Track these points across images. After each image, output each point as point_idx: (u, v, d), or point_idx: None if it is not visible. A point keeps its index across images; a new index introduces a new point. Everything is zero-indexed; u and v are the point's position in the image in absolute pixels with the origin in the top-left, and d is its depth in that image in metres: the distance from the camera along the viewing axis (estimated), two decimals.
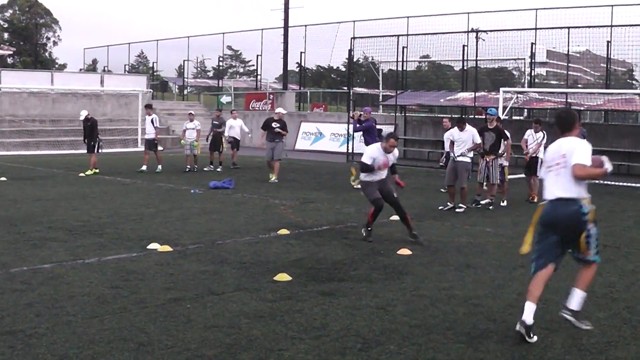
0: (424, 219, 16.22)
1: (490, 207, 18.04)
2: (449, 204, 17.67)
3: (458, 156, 17.53)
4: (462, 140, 17.61)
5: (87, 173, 25.38)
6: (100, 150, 26.30)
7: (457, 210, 17.37)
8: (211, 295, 9.24)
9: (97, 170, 25.82)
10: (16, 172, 26.31)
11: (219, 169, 27.67)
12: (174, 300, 9.01)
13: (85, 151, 27.07)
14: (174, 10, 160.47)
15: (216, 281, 10.00)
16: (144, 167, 26.82)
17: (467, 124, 17.85)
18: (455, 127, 18.02)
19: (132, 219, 15.51)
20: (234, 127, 29.42)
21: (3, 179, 23.46)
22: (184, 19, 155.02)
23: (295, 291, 9.47)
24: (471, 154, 17.80)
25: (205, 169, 27.56)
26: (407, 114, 39.60)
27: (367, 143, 22.45)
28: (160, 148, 28.75)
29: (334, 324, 8.13)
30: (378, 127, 24.19)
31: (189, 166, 27.30)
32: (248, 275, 10.41)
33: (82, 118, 26.65)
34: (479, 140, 17.76)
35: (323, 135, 41.16)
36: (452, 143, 17.98)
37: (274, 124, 24.24)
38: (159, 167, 26.93)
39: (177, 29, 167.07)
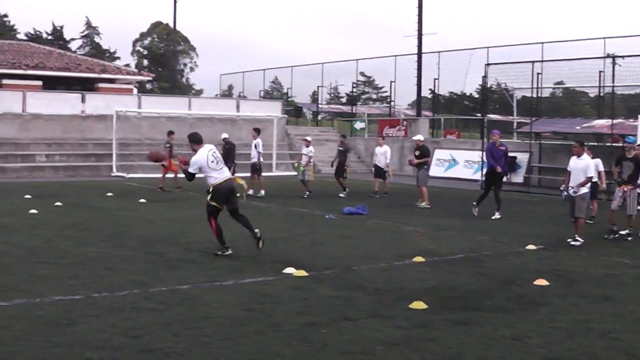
0: (559, 249, 15.95)
1: (629, 239, 17.53)
2: (577, 238, 16.66)
3: (572, 189, 16.54)
4: (577, 170, 16.61)
5: None
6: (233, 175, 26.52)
7: (573, 243, 16.51)
8: (345, 321, 9.29)
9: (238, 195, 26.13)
10: (154, 194, 26.99)
11: (341, 194, 27.59)
12: (309, 324, 9.10)
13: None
14: (308, 37, 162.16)
15: (350, 307, 10.05)
16: (251, 192, 26.85)
17: (585, 153, 16.98)
18: (574, 156, 16.90)
19: (267, 243, 15.66)
20: (379, 154, 28.49)
21: (142, 200, 24.11)
22: (317, 45, 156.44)
23: (429, 319, 9.43)
24: (584, 189, 16.58)
25: (340, 195, 27.62)
26: (541, 142, 38.97)
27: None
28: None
29: (469, 354, 8.08)
30: (511, 154, 23.71)
31: (308, 192, 27.08)
32: (382, 302, 10.43)
33: (223, 137, 27.35)
34: (591, 173, 16.80)
35: (457, 162, 40.92)
36: (568, 173, 16.95)
37: (415, 152, 24.42)
38: (251, 191, 26.55)
39: (311, 56, 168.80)
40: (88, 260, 13.24)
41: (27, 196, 24.93)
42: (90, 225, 18.07)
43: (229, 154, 26.65)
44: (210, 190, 14.06)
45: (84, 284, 11.17)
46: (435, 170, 41.21)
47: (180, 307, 9.83)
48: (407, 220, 20.19)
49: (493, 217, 20.98)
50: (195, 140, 14.62)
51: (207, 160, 14.06)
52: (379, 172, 28.36)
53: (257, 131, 28.06)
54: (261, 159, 27.69)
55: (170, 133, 29.28)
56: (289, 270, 12.46)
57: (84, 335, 8.38)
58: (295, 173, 28.50)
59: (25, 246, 14.77)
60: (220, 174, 14.14)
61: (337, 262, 13.52)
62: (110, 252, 14.22)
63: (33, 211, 20.50)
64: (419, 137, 25.64)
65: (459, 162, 40.73)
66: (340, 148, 28.95)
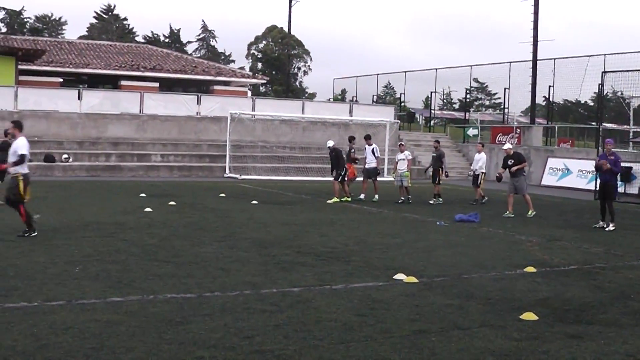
0: None
1: None
2: None
3: None
4: None
5: (334, 200, 25.93)
6: (344, 180, 26.69)
7: None
8: (456, 330, 9.23)
9: (349, 199, 26.33)
10: (266, 196, 27.30)
11: (439, 201, 27.40)
12: (419, 332, 9.06)
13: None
14: (422, 43, 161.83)
15: (461, 315, 9.99)
16: (362, 196, 27.21)
17: None
18: None
19: (378, 248, 15.72)
20: (477, 161, 28.59)
21: (254, 202, 24.39)
22: (430, 51, 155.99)
23: (541, 331, 9.29)
24: None
25: (430, 202, 27.40)
26: None
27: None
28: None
29: None
30: (626, 164, 22.98)
31: (402, 198, 27.03)
32: (493, 311, 10.32)
33: (329, 145, 27.44)
34: None
35: (570, 171, 40.18)
36: None
37: (509, 162, 23.93)
38: (376, 196, 27.12)
39: (424, 61, 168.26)
40: (201, 260, 13.49)
41: (142, 194, 25.52)
42: (204, 226, 18.39)
43: (337, 160, 26.71)
44: (21, 178, 15.46)
45: (198, 283, 11.39)
46: (547, 179, 40.65)
47: (291, 310, 9.91)
48: (520, 230, 19.95)
49: (607, 229, 20.57)
50: (21, 128, 16.02)
51: (28, 149, 15.76)
52: (476, 179, 28.50)
53: (369, 138, 28.35)
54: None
55: (352, 139, 29.46)
56: (400, 276, 12.45)
57: (196, 334, 8.54)
58: (392, 179, 28.52)
59: (141, 244, 15.14)
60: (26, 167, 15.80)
61: (448, 270, 13.45)
62: (223, 252, 14.46)
63: (148, 209, 20.99)
64: (508, 145, 25.12)
65: (573, 172, 39.97)
66: (434, 154, 28.78)
